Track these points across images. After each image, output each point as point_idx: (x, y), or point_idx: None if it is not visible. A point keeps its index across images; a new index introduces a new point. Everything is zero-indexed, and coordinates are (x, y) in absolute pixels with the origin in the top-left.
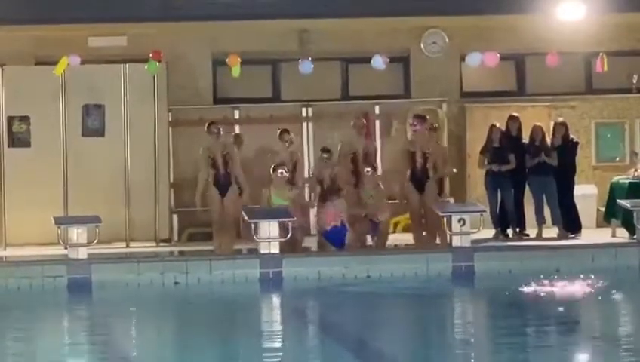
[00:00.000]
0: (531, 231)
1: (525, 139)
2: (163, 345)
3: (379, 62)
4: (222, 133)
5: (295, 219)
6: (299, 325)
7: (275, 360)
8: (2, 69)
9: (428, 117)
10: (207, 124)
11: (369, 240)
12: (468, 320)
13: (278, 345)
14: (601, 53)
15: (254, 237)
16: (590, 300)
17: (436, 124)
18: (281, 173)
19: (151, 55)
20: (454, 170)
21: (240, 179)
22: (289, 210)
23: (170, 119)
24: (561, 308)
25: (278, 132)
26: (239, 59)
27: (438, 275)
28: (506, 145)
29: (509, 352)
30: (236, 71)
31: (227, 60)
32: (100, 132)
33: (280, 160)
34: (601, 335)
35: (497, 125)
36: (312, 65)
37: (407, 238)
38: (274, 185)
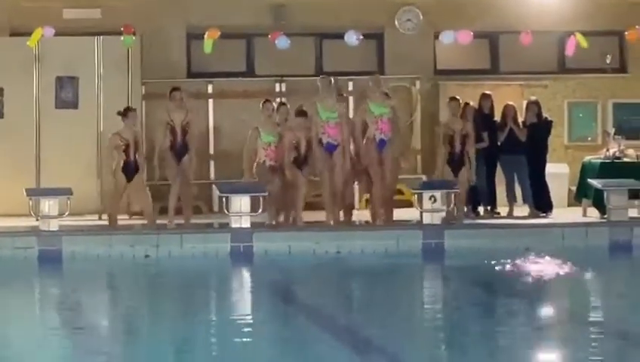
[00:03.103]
0: (502, 209)
1: (497, 117)
2: (131, 315)
3: (352, 38)
4: (184, 100)
5: (267, 193)
6: (267, 299)
7: (242, 333)
8: None
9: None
10: (169, 90)
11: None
12: (435, 296)
13: (245, 318)
14: (572, 36)
15: (225, 211)
16: (559, 279)
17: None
18: (270, 108)
19: (124, 28)
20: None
21: (192, 152)
22: (261, 185)
23: (143, 92)
24: (529, 286)
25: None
26: (218, 34)
27: (408, 252)
28: (479, 124)
29: (475, 328)
30: (208, 46)
31: (206, 34)
32: (73, 104)
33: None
34: (569, 312)
35: (472, 103)
36: (289, 41)
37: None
38: (261, 123)
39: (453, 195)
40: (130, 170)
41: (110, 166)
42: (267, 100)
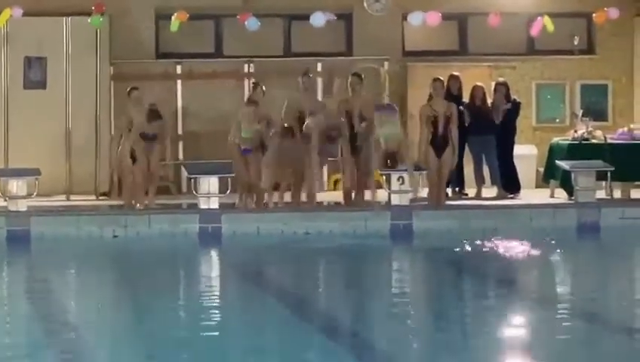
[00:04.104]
0: (470, 190)
1: (466, 98)
2: (98, 295)
3: (319, 19)
4: (140, 98)
5: (234, 174)
6: (234, 279)
7: (208, 313)
8: None
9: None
10: (128, 89)
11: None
12: (401, 276)
13: (210, 298)
14: (539, 18)
15: (194, 192)
16: (527, 260)
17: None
18: (252, 108)
19: (94, 8)
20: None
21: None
22: (229, 165)
23: (112, 73)
24: (496, 267)
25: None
26: (186, 15)
27: (376, 233)
28: None
29: (442, 307)
30: (174, 25)
31: (174, 16)
32: (41, 84)
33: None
34: (537, 293)
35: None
36: (258, 23)
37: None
38: (243, 119)
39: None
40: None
41: (115, 149)
42: (256, 84)
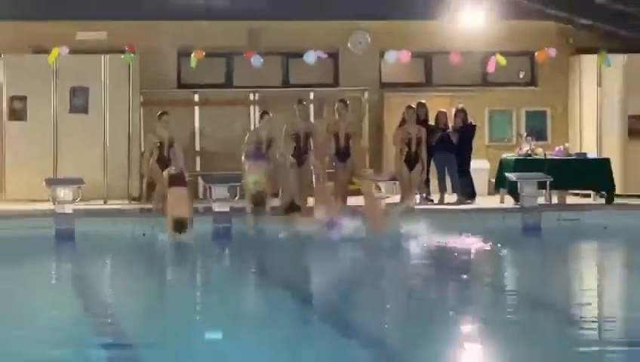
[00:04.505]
0: (435, 197)
1: (431, 122)
2: (129, 279)
3: (311, 56)
4: (169, 122)
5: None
6: (234, 270)
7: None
8: (4, 57)
9: (349, 102)
10: (158, 113)
11: None
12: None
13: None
14: (493, 56)
15: (209, 197)
16: (481, 253)
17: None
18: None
19: (126, 47)
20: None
21: (180, 162)
22: (237, 176)
23: (141, 100)
24: (455, 259)
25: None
26: (203, 53)
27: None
28: None
29: (408, 297)
30: (193, 61)
31: (193, 54)
32: (84, 109)
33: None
34: (488, 280)
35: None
36: (262, 60)
37: None
38: (250, 172)
39: (394, 185)
40: (164, 162)
41: (147, 161)
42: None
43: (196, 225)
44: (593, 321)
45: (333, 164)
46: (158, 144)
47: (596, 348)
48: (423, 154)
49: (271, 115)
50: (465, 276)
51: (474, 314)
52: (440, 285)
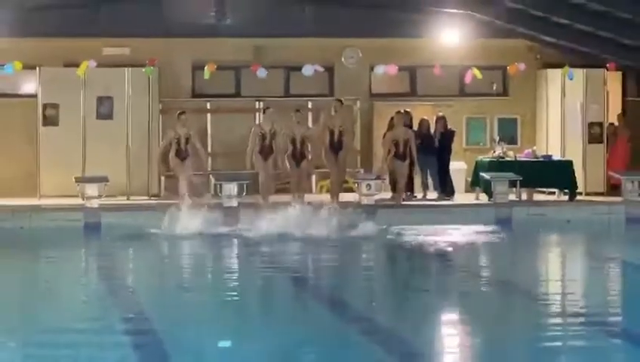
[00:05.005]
0: (418, 194)
1: (415, 128)
2: (148, 263)
3: (308, 70)
4: (187, 120)
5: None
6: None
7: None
8: (40, 69)
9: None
10: (178, 113)
11: None
12: (368, 263)
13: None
14: (469, 69)
15: (219, 194)
16: (458, 244)
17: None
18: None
19: (147, 62)
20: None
21: (200, 152)
22: (245, 175)
23: (160, 108)
24: (436, 249)
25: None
26: (215, 67)
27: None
28: None
29: (395, 286)
30: (207, 74)
31: (206, 67)
32: (109, 116)
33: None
34: (465, 266)
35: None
36: (266, 72)
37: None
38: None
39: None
40: (182, 156)
41: (163, 147)
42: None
43: None
44: (555, 298)
45: (325, 160)
46: (176, 140)
47: (558, 320)
48: (413, 153)
49: (272, 109)
50: (447, 261)
51: (451, 290)
52: (425, 270)
